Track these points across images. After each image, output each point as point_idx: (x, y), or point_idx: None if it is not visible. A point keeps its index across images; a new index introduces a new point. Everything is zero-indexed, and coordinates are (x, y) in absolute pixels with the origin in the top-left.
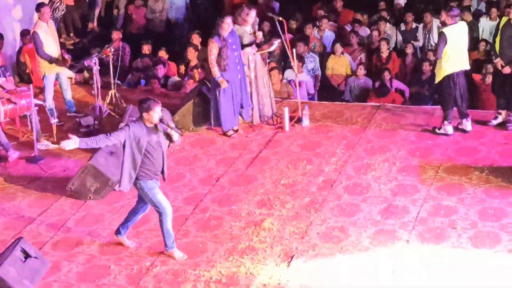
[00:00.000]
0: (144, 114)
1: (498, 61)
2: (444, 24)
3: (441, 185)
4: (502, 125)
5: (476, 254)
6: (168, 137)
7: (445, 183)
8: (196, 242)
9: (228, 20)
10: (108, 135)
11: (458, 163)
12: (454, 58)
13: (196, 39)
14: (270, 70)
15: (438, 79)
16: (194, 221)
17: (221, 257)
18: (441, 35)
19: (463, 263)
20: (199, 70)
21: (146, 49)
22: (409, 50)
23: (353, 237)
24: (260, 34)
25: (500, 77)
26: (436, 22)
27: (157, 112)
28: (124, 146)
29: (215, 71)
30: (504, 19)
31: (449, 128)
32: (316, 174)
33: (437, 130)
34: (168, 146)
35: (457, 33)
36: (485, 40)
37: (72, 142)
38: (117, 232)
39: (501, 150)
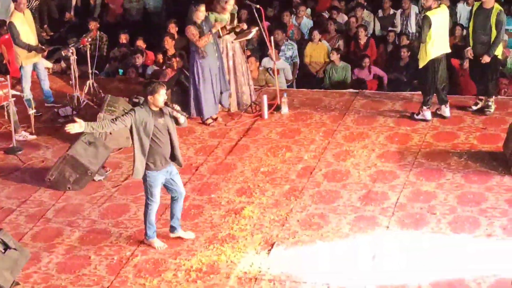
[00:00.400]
0: (149, 97)
1: (469, 50)
2: (429, 8)
3: (420, 171)
4: (480, 111)
5: (455, 239)
6: (175, 120)
7: (424, 169)
8: None
9: (202, 7)
10: (114, 119)
11: (437, 148)
12: (437, 42)
13: (173, 28)
14: (247, 57)
15: (422, 63)
16: None
17: (201, 245)
18: (425, 19)
19: (442, 248)
20: (178, 59)
21: (124, 38)
22: (391, 38)
23: (333, 224)
24: (244, 25)
25: (476, 63)
26: (414, 9)
27: (162, 95)
28: (131, 133)
29: (204, 39)
30: (477, 3)
31: (427, 114)
32: (295, 161)
33: (415, 116)
34: None
35: (440, 17)
36: (461, 25)
37: (78, 126)
38: (172, 229)
39: (479, 135)
